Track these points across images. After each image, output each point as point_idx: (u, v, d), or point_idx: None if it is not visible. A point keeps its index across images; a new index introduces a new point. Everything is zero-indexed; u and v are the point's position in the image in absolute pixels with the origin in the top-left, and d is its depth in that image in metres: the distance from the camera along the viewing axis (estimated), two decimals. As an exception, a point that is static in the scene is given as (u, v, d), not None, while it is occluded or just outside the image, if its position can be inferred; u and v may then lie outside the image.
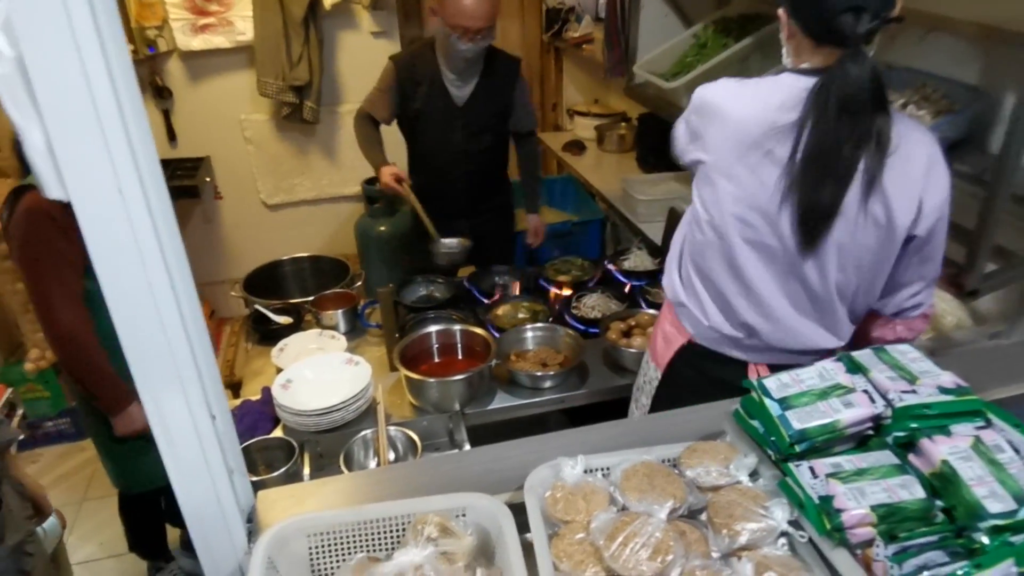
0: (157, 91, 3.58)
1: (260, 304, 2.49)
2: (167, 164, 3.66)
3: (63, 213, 1.68)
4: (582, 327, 2.16)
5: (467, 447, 1.72)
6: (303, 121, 3.68)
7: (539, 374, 1.88)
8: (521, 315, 2.23)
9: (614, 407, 1.94)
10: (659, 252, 2.54)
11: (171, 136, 3.71)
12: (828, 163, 1.19)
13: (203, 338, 0.97)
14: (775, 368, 1.36)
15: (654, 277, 2.36)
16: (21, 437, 2.99)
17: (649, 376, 1.60)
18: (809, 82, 1.21)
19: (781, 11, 1.26)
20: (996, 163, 1.49)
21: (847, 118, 1.16)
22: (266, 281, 2.76)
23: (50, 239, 1.68)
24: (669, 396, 1.52)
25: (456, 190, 2.68)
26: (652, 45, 2.79)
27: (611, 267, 2.46)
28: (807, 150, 1.19)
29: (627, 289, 2.37)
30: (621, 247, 2.74)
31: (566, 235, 3.28)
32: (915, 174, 1.22)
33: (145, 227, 0.82)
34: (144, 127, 0.84)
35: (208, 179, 3.78)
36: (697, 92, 1.35)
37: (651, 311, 2.11)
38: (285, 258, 2.89)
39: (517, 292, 2.37)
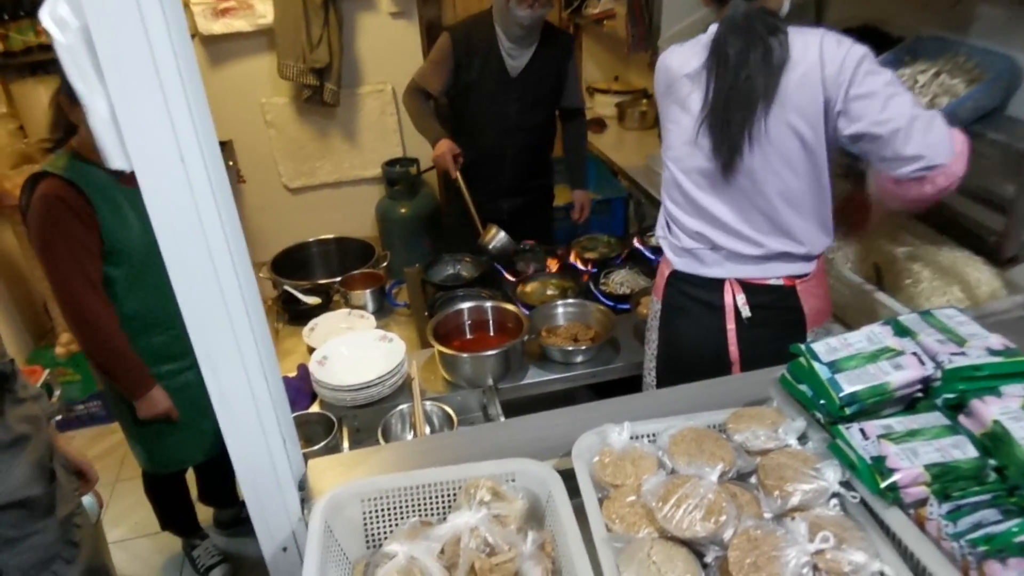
0: (179, 76, 3.59)
1: (289, 285, 2.52)
2: (190, 149, 3.68)
3: (78, 199, 1.69)
4: (611, 303, 2.17)
5: (502, 420, 1.74)
6: (324, 104, 3.69)
7: (571, 349, 1.89)
8: (550, 291, 2.24)
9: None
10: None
11: (193, 121, 3.73)
12: (729, 102, 1.38)
13: (258, 308, 0.99)
14: (747, 286, 1.53)
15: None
16: (59, 417, 3.04)
17: (654, 311, 1.72)
18: (707, 35, 1.44)
19: None
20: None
21: (736, 61, 1.36)
22: (293, 263, 2.79)
23: (66, 225, 1.70)
24: (667, 323, 1.67)
25: (504, 168, 2.66)
26: (676, 19, 2.76)
27: (638, 244, 2.46)
28: (711, 90, 1.41)
29: (655, 265, 2.37)
30: (646, 224, 2.73)
31: (591, 212, 3.26)
32: (813, 78, 1.34)
33: (206, 195, 0.83)
34: (202, 97, 0.85)
35: (231, 163, 3.80)
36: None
37: (682, 285, 2.11)
38: (311, 240, 2.91)
39: (554, 269, 2.37)
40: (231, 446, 1.00)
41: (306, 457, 1.63)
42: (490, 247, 2.51)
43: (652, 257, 2.41)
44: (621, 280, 2.26)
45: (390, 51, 3.78)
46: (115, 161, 0.81)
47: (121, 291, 1.82)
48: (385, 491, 1.02)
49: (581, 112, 2.75)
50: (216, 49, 3.60)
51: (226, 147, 3.75)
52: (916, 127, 1.29)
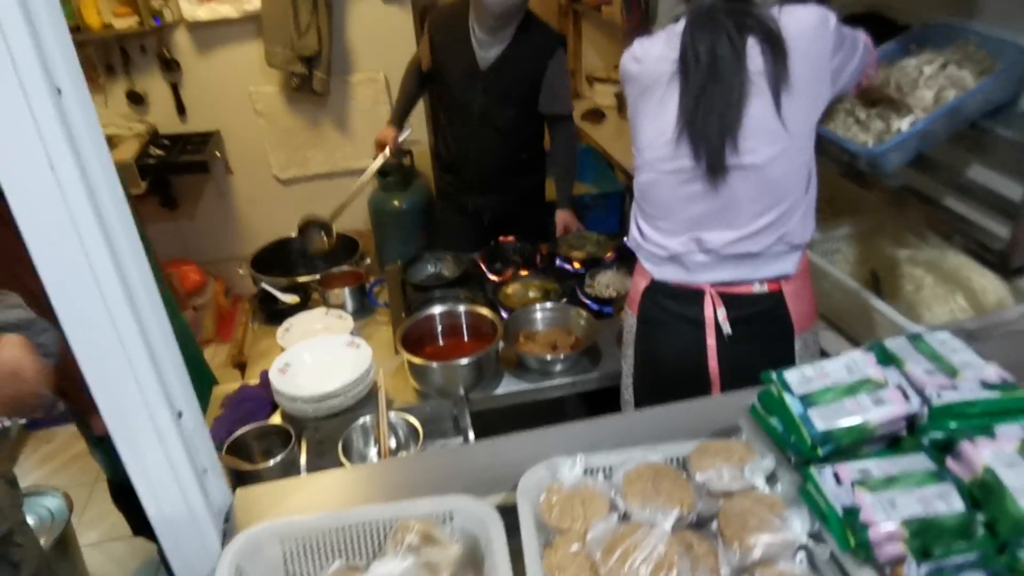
0: (165, 64, 3.50)
1: (266, 282, 2.43)
2: (177, 139, 3.60)
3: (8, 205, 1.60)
4: (596, 306, 2.07)
5: (471, 434, 1.64)
6: (313, 92, 3.58)
7: (548, 358, 1.79)
8: (532, 294, 2.13)
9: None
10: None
11: (180, 110, 3.64)
12: (706, 97, 1.30)
13: (162, 324, 0.89)
14: (729, 298, 1.43)
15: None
16: (23, 422, 2.97)
17: (629, 325, 1.61)
18: (679, 25, 1.34)
19: None
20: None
21: (708, 56, 1.28)
22: (275, 258, 2.69)
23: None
24: (644, 337, 1.57)
25: (478, 163, 2.56)
26: (673, 4, 2.64)
27: (627, 242, 2.34)
28: (687, 89, 1.32)
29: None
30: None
31: (584, 208, 3.15)
32: (813, 56, 1.30)
33: (83, 211, 0.73)
34: (81, 85, 0.74)
35: (218, 154, 3.71)
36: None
37: (668, 289, 2.00)
38: (293, 235, 2.81)
39: (525, 273, 2.26)
40: (137, 485, 0.91)
41: (260, 474, 1.55)
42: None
43: (642, 257, 2.30)
44: (608, 282, 2.15)
45: (382, 38, 3.66)
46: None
47: None
48: (307, 532, 0.93)
49: (565, 118, 2.52)
50: (202, 36, 3.49)
51: (213, 137, 3.66)
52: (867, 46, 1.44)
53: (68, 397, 1.72)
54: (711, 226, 1.41)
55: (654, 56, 1.37)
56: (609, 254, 2.31)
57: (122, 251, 0.79)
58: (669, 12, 2.64)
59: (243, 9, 3.40)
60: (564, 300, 2.05)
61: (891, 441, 0.94)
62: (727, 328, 1.42)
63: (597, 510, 0.91)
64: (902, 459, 0.88)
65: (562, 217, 2.57)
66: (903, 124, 1.65)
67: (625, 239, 2.31)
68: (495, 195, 2.60)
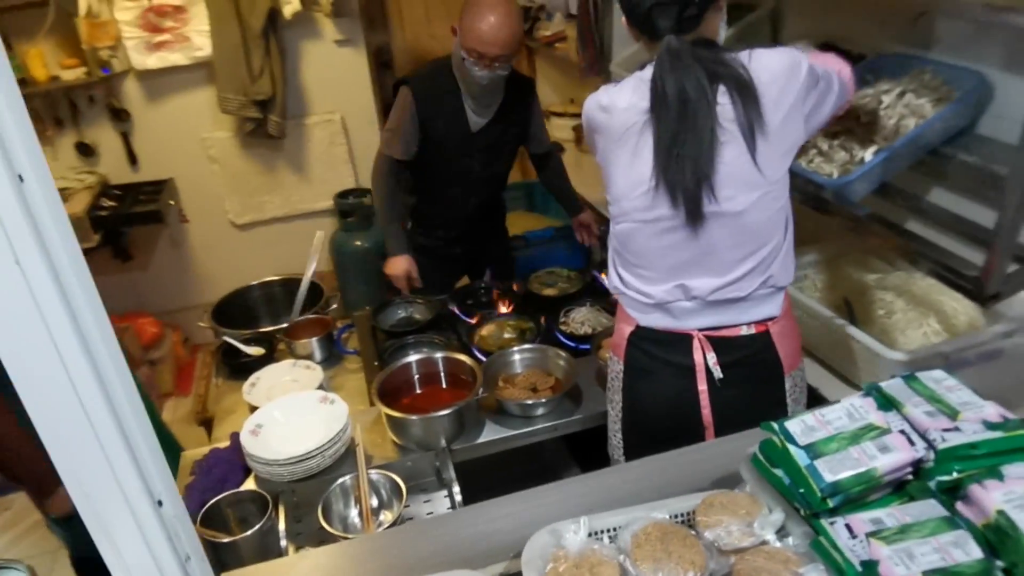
0: (115, 113, 3.41)
1: (229, 335, 2.34)
2: (129, 189, 3.50)
3: None
4: (572, 344, 2.04)
5: (456, 488, 1.59)
6: (269, 136, 3.53)
7: (530, 402, 1.75)
8: (507, 335, 2.10)
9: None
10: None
11: (132, 159, 3.55)
12: (679, 144, 1.28)
13: (136, 410, 0.83)
14: (717, 342, 1.42)
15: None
16: None
17: (615, 371, 1.57)
18: (647, 72, 1.32)
19: (624, 19, 1.38)
20: (1016, 154, 1.37)
21: (678, 101, 1.26)
22: (236, 308, 2.61)
23: None
24: (632, 385, 1.53)
25: (463, 218, 2.49)
26: (628, 42, 2.66)
27: (599, 277, 2.34)
28: (660, 136, 1.30)
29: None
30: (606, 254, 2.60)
31: (548, 242, 3.15)
32: (785, 98, 1.29)
33: (51, 301, 0.68)
34: (41, 163, 0.69)
35: (172, 202, 3.61)
36: (584, 108, 1.46)
37: (645, 326, 1.99)
38: (255, 283, 2.73)
39: (508, 310, 2.23)
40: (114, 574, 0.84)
41: (237, 545, 1.47)
42: None
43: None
44: (582, 319, 2.13)
45: (337, 80, 3.64)
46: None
47: None
48: (301, 622, 0.87)
49: (552, 153, 2.58)
50: (152, 84, 3.42)
51: (167, 185, 3.56)
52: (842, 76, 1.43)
53: (23, 483, 1.62)
54: (695, 273, 1.39)
55: (622, 106, 1.35)
56: (580, 289, 2.30)
57: (93, 340, 0.73)
58: (623, 50, 2.67)
59: (193, 56, 3.34)
60: (538, 339, 2.02)
61: (897, 486, 0.92)
62: (718, 372, 1.40)
63: (607, 577, 0.87)
64: (912, 506, 0.86)
65: (586, 217, 2.64)
66: (867, 154, 1.68)
67: (601, 278, 2.32)
68: (476, 237, 2.57)
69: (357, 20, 3.54)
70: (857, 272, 1.99)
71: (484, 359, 1.92)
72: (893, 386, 0.98)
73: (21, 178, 0.64)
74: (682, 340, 1.43)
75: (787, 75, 1.29)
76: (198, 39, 3.31)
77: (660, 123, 1.30)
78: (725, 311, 1.41)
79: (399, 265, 2.34)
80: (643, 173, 1.34)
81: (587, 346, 2.01)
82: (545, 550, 0.93)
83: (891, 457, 0.87)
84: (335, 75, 3.62)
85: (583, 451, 2.08)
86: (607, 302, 2.21)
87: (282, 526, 1.52)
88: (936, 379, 0.99)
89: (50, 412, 0.72)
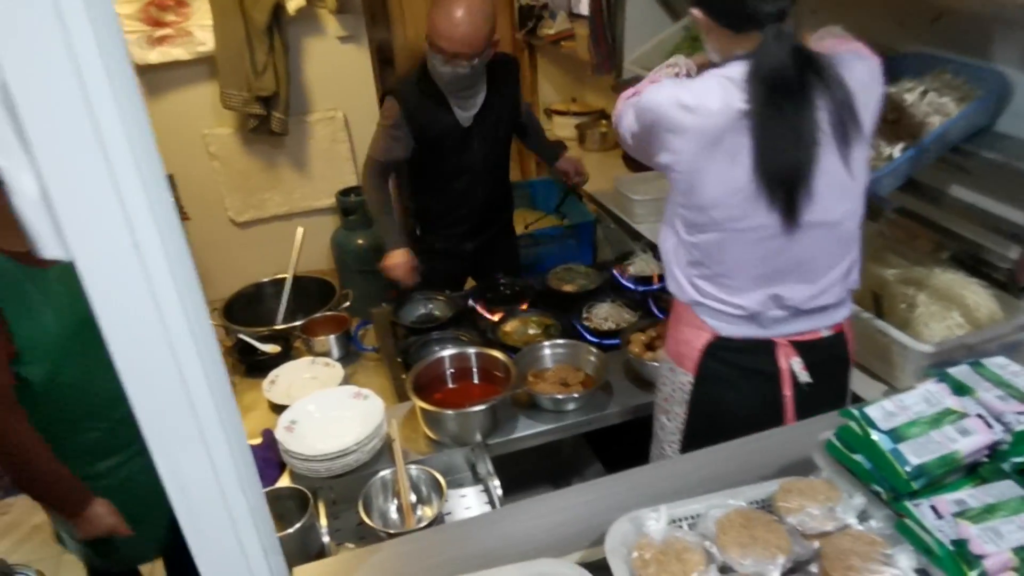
0: (112, 108, 3.35)
1: (245, 334, 2.32)
2: (127, 185, 3.44)
3: None
4: (596, 339, 2.05)
5: (495, 483, 1.59)
6: (271, 133, 3.50)
7: (561, 397, 1.76)
8: (532, 331, 2.10)
9: (636, 425, 1.83)
10: (664, 255, 2.44)
11: (130, 156, 3.49)
12: (781, 148, 1.23)
13: (231, 407, 0.83)
14: (800, 345, 1.40)
15: (664, 281, 2.26)
16: None
17: (679, 383, 1.52)
18: (734, 70, 1.25)
19: (695, 10, 1.30)
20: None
21: (782, 96, 1.21)
22: (246, 306, 2.59)
23: None
24: (706, 396, 1.48)
25: (471, 212, 2.47)
26: (639, 40, 2.69)
27: (617, 273, 2.35)
28: (763, 139, 1.23)
29: (637, 296, 2.26)
30: (622, 251, 2.62)
31: (558, 239, 3.15)
32: (872, 101, 1.30)
33: (166, 288, 0.67)
34: (156, 163, 0.69)
35: (172, 199, 3.56)
36: (646, 103, 1.33)
37: (673, 320, 2.01)
38: (266, 280, 2.71)
39: (524, 307, 2.24)
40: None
41: (282, 542, 1.45)
42: None
43: (632, 287, 2.30)
44: (605, 315, 2.14)
45: (340, 76, 3.61)
46: (48, 249, 0.64)
47: (40, 392, 1.51)
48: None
49: (528, 112, 2.53)
50: (153, 79, 3.37)
51: (166, 182, 3.51)
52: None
53: (51, 504, 1.60)
54: (788, 281, 1.35)
55: (714, 107, 1.24)
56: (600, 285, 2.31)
57: (198, 332, 0.72)
58: (635, 48, 2.69)
59: (195, 51, 3.30)
60: (561, 335, 2.03)
61: (969, 469, 0.95)
62: (805, 377, 1.38)
63: (695, 564, 0.88)
64: (992, 487, 0.88)
65: (567, 161, 2.51)
66: (895, 150, 1.71)
67: (615, 273, 2.33)
68: (484, 233, 2.55)
69: (360, 16, 3.52)
70: (877, 267, 2.02)
71: (511, 355, 1.92)
72: (961, 372, 1.00)
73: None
74: (765, 347, 1.41)
75: (875, 81, 1.28)
76: (200, 34, 3.28)
77: (763, 125, 1.22)
78: (813, 317, 1.40)
79: (398, 256, 2.32)
80: (740, 179, 1.27)
81: (612, 341, 2.02)
82: (627, 538, 0.94)
83: (972, 440, 0.89)
84: (338, 72, 3.60)
85: (604, 445, 2.09)
86: (627, 298, 2.22)
87: (323, 522, 1.51)
88: (1000, 365, 1.01)
89: (157, 412, 0.72)
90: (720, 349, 1.43)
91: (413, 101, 2.23)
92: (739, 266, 1.36)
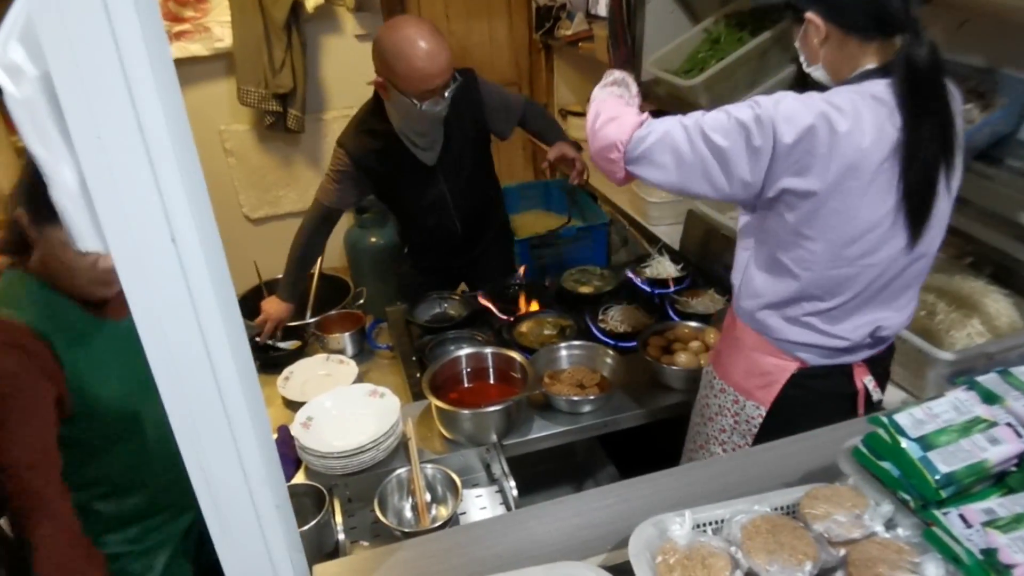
0: (130, 103, 3.37)
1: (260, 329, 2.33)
2: (143, 180, 3.46)
3: (43, 347, 1.21)
4: (611, 341, 2.04)
5: (510, 483, 1.59)
6: (287, 130, 3.51)
7: (577, 399, 1.75)
8: (547, 331, 2.10)
9: (649, 429, 1.83)
10: (681, 258, 2.43)
11: (146, 150, 3.51)
12: (933, 180, 1.16)
13: (259, 403, 0.83)
14: (873, 363, 1.39)
15: (680, 284, 2.25)
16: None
17: (747, 416, 1.43)
18: (876, 87, 1.13)
19: (812, 15, 1.17)
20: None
21: (932, 110, 1.12)
22: (257, 303, 2.59)
23: (25, 392, 1.19)
24: (777, 426, 1.37)
25: (455, 237, 2.36)
26: (659, 42, 2.68)
27: (632, 276, 2.34)
28: (917, 170, 1.13)
29: (655, 299, 2.25)
30: (638, 253, 2.62)
31: (572, 241, 3.15)
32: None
33: (202, 282, 0.67)
34: (194, 158, 0.69)
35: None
36: (782, 111, 1.12)
37: (691, 324, 2.00)
38: (280, 277, 2.71)
39: (534, 308, 2.23)
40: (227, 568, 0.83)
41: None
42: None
43: (648, 290, 2.29)
44: (621, 318, 2.13)
45: (356, 75, 3.60)
46: (86, 242, 0.65)
47: (84, 455, 1.32)
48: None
49: (526, 104, 2.35)
50: (170, 75, 3.38)
51: (182, 178, 3.53)
52: None
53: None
54: (887, 311, 1.31)
55: (871, 135, 1.11)
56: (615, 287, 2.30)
57: (234, 334, 0.72)
58: (655, 49, 2.68)
59: (213, 47, 3.32)
60: (580, 335, 2.03)
61: (996, 478, 0.94)
62: (878, 395, 1.37)
63: (720, 569, 0.87)
64: (1021, 497, 0.87)
65: (558, 147, 2.24)
66: (919, 157, 1.70)
67: (632, 276, 2.30)
68: (473, 250, 2.47)
69: (379, 14, 3.53)
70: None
71: (527, 355, 1.91)
72: (990, 380, 0.99)
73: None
74: (842, 370, 1.37)
75: (957, 98, 1.22)
76: (219, 30, 3.29)
77: (915, 155, 1.12)
78: (887, 341, 1.39)
79: (275, 306, 2.27)
80: (884, 212, 1.17)
81: (627, 344, 2.01)
82: (651, 542, 0.93)
83: (1002, 449, 0.88)
84: (354, 70, 3.60)
85: (618, 449, 2.08)
86: (643, 301, 2.22)
87: (339, 519, 1.51)
88: (1030, 374, 1.00)
89: (190, 408, 0.72)
90: (803, 377, 1.36)
91: (364, 152, 2.12)
92: (858, 301, 1.28)
